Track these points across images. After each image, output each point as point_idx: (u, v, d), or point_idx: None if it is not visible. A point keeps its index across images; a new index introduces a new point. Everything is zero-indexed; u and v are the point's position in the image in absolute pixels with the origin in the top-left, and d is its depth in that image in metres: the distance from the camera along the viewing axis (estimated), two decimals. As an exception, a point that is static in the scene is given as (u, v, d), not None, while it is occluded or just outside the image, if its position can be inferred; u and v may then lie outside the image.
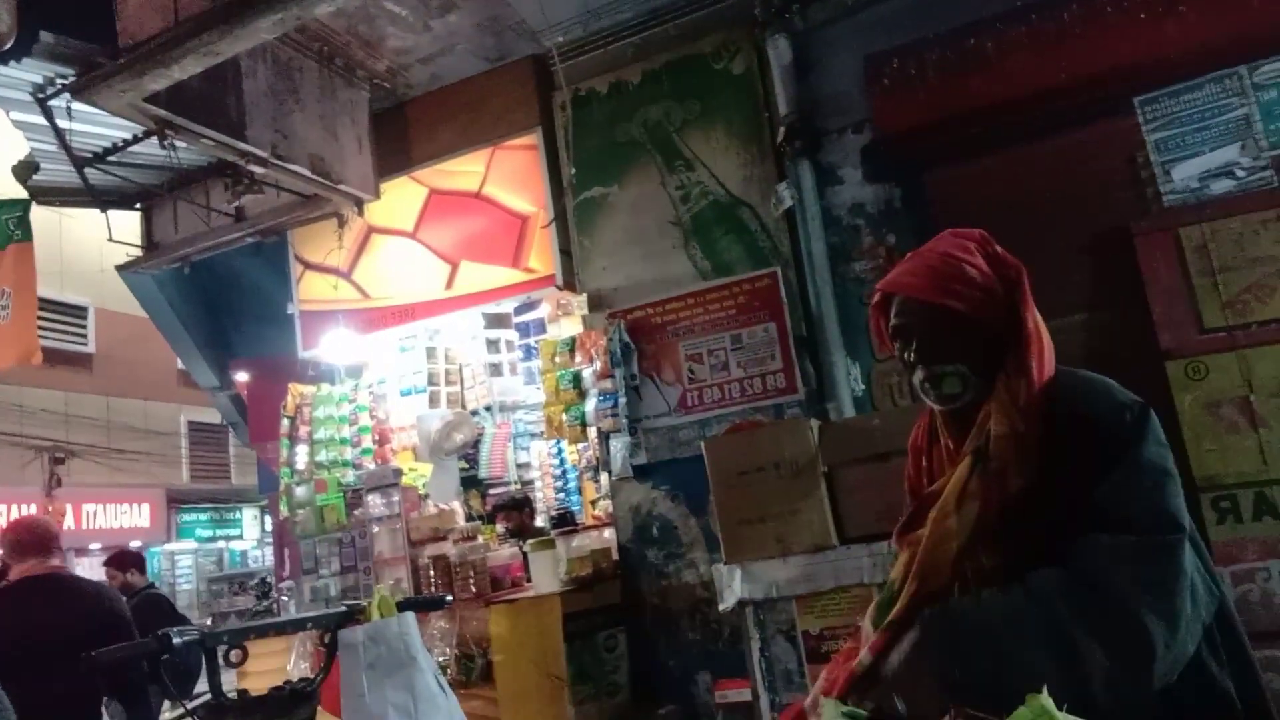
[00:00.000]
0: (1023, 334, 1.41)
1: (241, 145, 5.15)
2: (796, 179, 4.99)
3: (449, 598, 2.42)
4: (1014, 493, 1.35)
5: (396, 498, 5.43)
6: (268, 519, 18.82)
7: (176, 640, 1.95)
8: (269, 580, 17.37)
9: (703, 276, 5.24)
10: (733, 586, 3.94)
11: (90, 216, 6.41)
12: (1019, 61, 4.30)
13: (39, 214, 6.63)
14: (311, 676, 2.16)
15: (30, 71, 4.67)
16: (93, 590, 3.65)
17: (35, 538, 3.38)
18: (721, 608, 4.02)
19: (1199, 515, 3.44)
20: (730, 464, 3.95)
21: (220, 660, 2.10)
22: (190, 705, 2.06)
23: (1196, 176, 4.01)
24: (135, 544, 18.25)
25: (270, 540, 16.09)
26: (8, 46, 2.65)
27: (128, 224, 6.92)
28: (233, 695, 2.11)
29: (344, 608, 2.27)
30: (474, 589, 4.99)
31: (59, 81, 4.70)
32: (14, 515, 16.02)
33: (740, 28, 5.28)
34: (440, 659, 4.87)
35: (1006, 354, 1.41)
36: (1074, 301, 4.13)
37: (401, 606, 2.28)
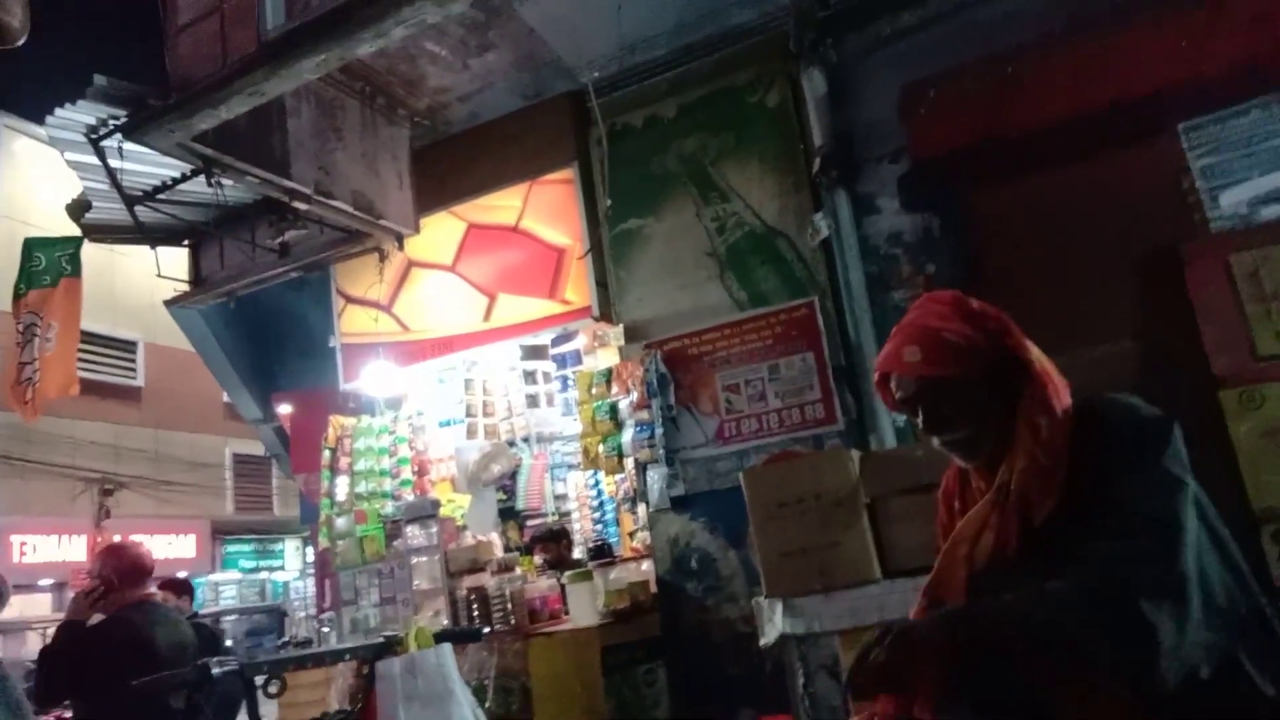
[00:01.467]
0: (1031, 374, 1.43)
1: (286, 182, 5.27)
2: (833, 208, 4.98)
3: (485, 630, 2.42)
4: (1037, 524, 1.37)
5: (435, 529, 5.45)
6: (309, 550, 19.02)
7: (216, 670, 1.96)
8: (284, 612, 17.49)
9: (739, 307, 5.23)
10: (774, 621, 3.88)
11: (140, 253, 6.60)
12: (1057, 88, 4.26)
13: (92, 251, 6.84)
14: (350, 709, 2.16)
15: (84, 113, 4.85)
16: (180, 616, 3.80)
17: (146, 566, 3.52)
18: (763, 643, 3.96)
19: (1259, 548, 3.32)
20: (769, 495, 3.91)
21: (260, 691, 2.11)
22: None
23: (1245, 202, 3.92)
24: (182, 574, 18.51)
25: (312, 571, 16.23)
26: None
27: (176, 260, 7.11)
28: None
29: (382, 639, 2.28)
30: (512, 621, 4.97)
31: (111, 122, 4.86)
32: (64, 546, 16.38)
33: (774, 61, 5.31)
34: (476, 690, 4.84)
35: (1018, 397, 1.43)
36: (1120, 328, 4.04)
37: (439, 638, 2.28)
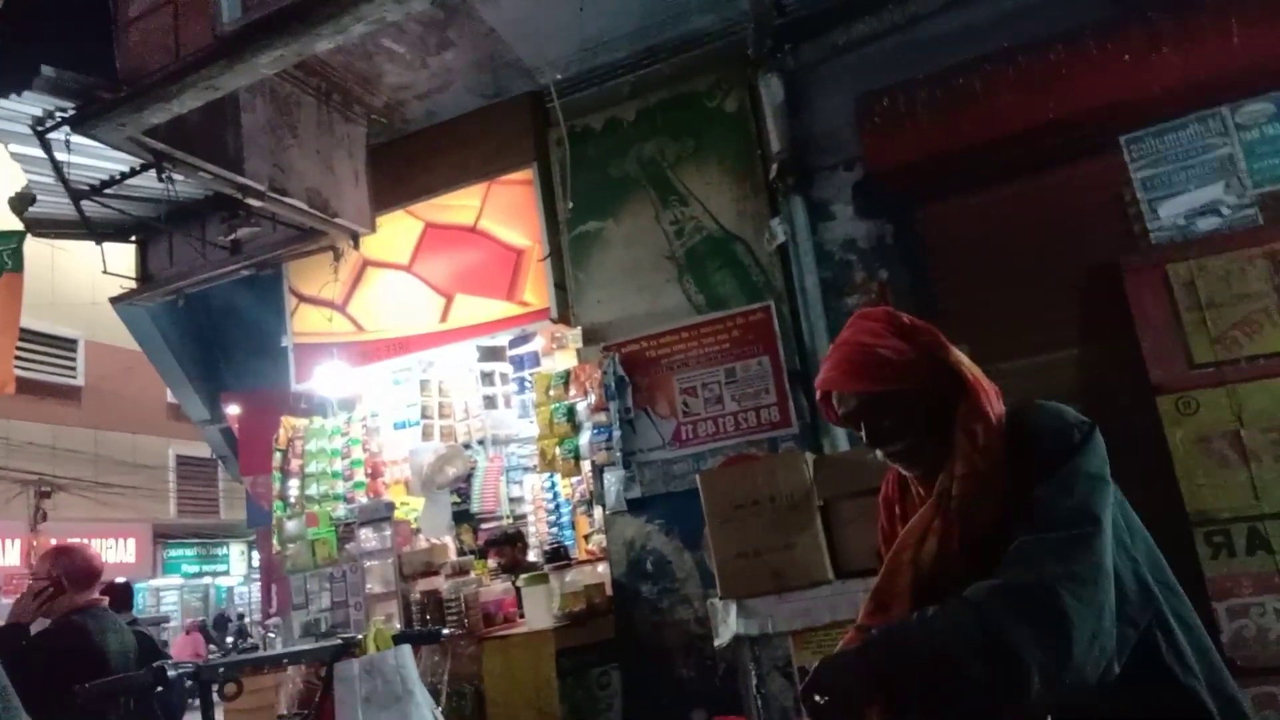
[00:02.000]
0: (965, 386, 1.48)
1: (239, 179, 5.19)
2: (789, 214, 5.05)
3: (445, 630, 2.41)
4: (980, 530, 1.41)
5: (389, 532, 5.39)
6: (255, 554, 18.63)
7: (171, 673, 1.93)
8: (228, 617, 17.11)
9: (697, 310, 5.27)
10: (728, 622, 3.92)
11: (83, 249, 6.43)
12: (1006, 101, 4.38)
13: (31, 246, 6.64)
14: (305, 711, 2.14)
15: (30, 104, 4.71)
16: (125, 622, 3.69)
17: (96, 569, 3.40)
18: (717, 644, 3.99)
19: (1193, 550, 3.45)
20: (725, 498, 3.95)
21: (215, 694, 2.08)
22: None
23: (1183, 214, 4.08)
24: (121, 579, 17.98)
25: (257, 576, 15.88)
26: None
27: (123, 256, 6.93)
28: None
29: (340, 641, 2.26)
30: (466, 624, 4.93)
31: (58, 114, 4.73)
32: (-2, 550, 15.82)
33: (733, 67, 5.37)
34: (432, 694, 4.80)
35: (954, 406, 1.48)
36: (1063, 337, 4.17)
37: (397, 640, 2.26)
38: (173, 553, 21.02)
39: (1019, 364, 4.11)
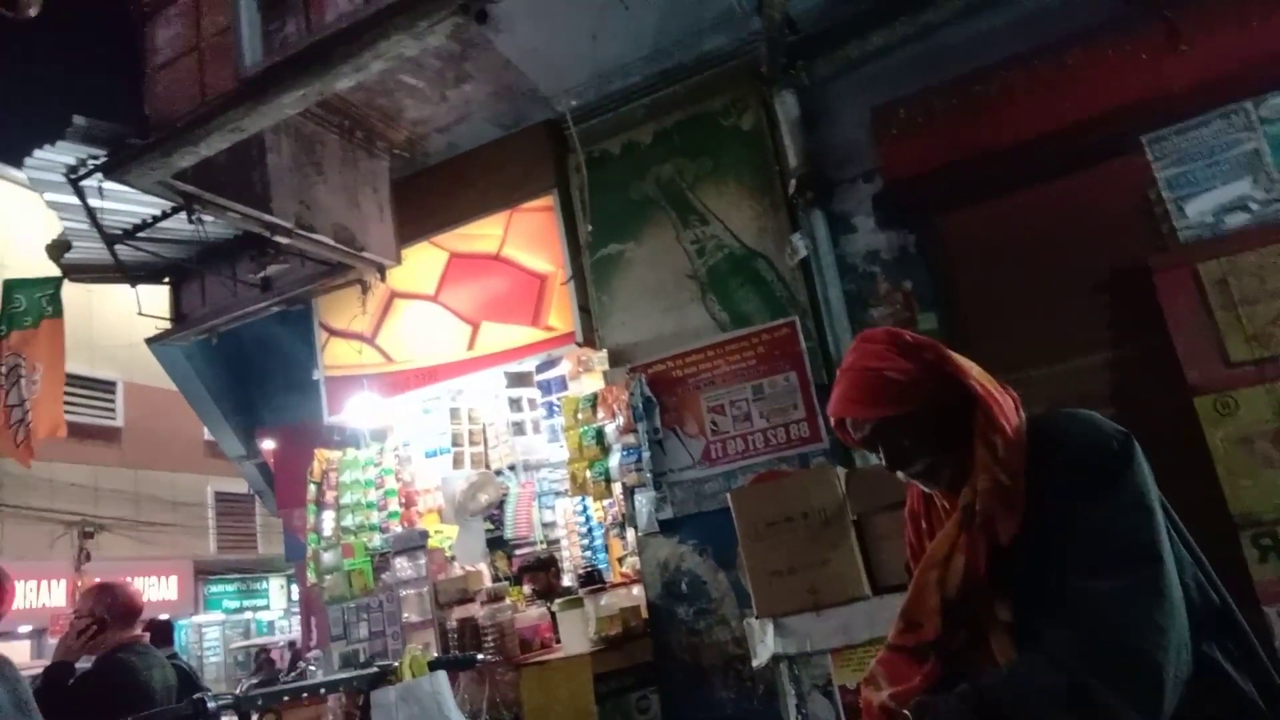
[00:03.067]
0: (976, 397, 1.46)
1: (267, 217, 5.29)
2: (810, 229, 5.05)
3: (480, 656, 2.41)
4: (1004, 544, 1.40)
5: (423, 560, 5.42)
6: (294, 588, 18.77)
7: (211, 704, 1.95)
8: (267, 651, 17.20)
9: (721, 328, 5.27)
10: (765, 641, 3.88)
11: (119, 292, 6.58)
12: (1024, 105, 4.37)
13: (69, 291, 6.81)
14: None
15: (63, 154, 4.85)
16: (165, 657, 3.74)
17: (138, 606, 3.47)
18: (755, 664, 3.96)
19: (1238, 554, 3.36)
20: (757, 515, 3.92)
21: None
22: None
23: (1211, 211, 4.02)
24: (164, 616, 18.20)
25: (297, 610, 15.99)
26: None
27: (157, 298, 7.09)
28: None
29: (376, 669, 2.27)
30: (503, 651, 4.93)
31: (90, 162, 4.87)
32: (44, 591, 16.10)
33: (747, 85, 5.40)
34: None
35: (969, 420, 1.46)
36: (1093, 341, 4.11)
37: (433, 666, 2.27)
38: (214, 589, 21.25)
39: (1048, 370, 4.07)
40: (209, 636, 21.46)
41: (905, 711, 1.33)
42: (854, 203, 5.10)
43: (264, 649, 16.70)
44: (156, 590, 18.81)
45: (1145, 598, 1.27)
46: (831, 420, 1.62)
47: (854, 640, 3.59)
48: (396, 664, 2.25)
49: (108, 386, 18.63)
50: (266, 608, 23.02)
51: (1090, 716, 1.21)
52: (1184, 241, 4.06)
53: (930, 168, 4.69)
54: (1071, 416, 1.46)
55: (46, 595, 16.19)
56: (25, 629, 15.81)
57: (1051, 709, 1.24)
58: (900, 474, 1.57)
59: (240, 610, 22.26)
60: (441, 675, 2.19)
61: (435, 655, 4.72)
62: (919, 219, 4.91)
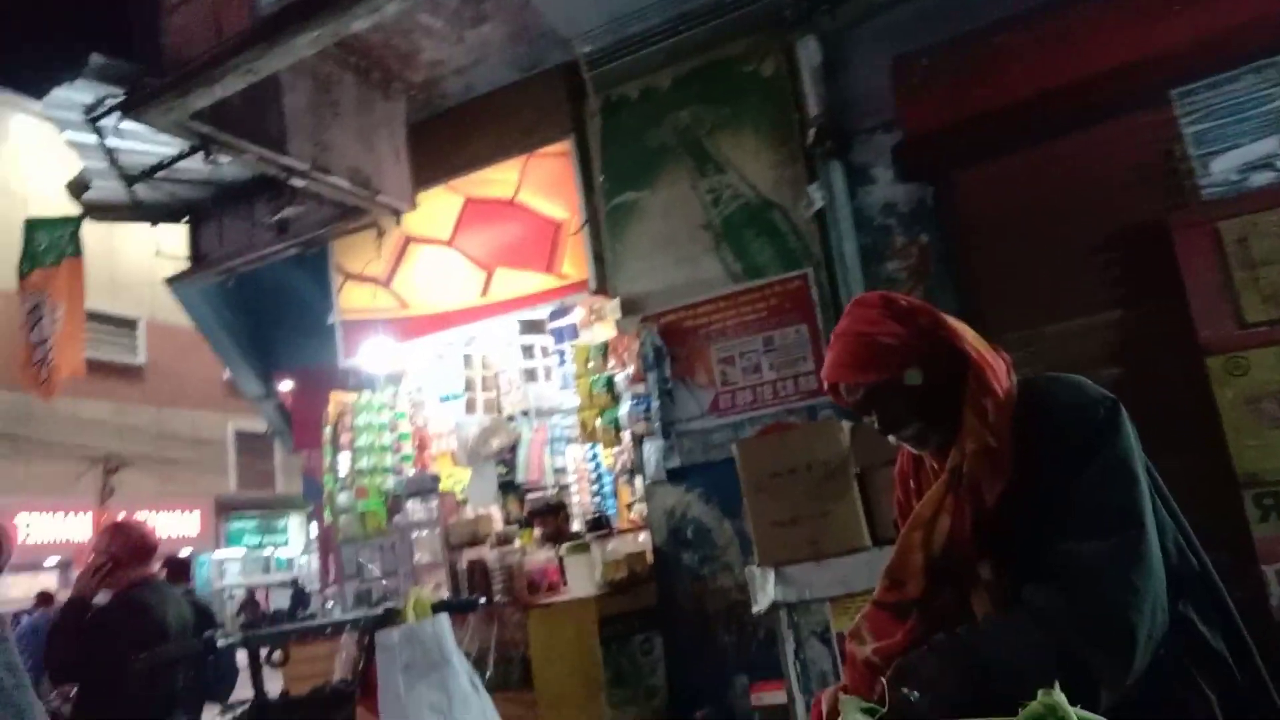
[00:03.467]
0: (969, 362, 1.47)
1: (282, 159, 5.29)
2: (827, 180, 4.99)
3: (482, 599, 2.48)
4: (989, 506, 1.42)
5: (435, 503, 5.52)
6: (313, 526, 19.20)
7: (221, 642, 2.02)
8: (301, 586, 17.65)
9: (734, 279, 5.25)
10: (766, 589, 3.94)
11: (140, 231, 6.64)
12: (1050, 56, 4.26)
13: (91, 229, 6.86)
14: (350, 679, 2.22)
15: (82, 92, 4.85)
16: (181, 593, 3.85)
17: (151, 544, 3.53)
18: (755, 610, 4.03)
19: (1241, 512, 3.37)
20: (762, 466, 3.96)
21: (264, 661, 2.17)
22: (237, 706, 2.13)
23: (1236, 169, 3.94)
24: (186, 551, 18.70)
25: (316, 547, 16.37)
26: None
27: (176, 238, 7.13)
28: (275, 696, 2.18)
29: (381, 610, 2.33)
30: (511, 592, 5.05)
31: (108, 101, 4.87)
32: (69, 524, 16.51)
33: (769, 30, 5.29)
34: (476, 661, 4.93)
35: (961, 384, 1.47)
36: (1107, 298, 4.07)
37: (436, 609, 2.33)
38: (235, 525, 21.74)
39: (1061, 327, 4.04)
40: (230, 571, 22.02)
41: (884, 679, 1.36)
42: (873, 154, 5.02)
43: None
44: (178, 526, 19.26)
45: (1124, 560, 1.30)
46: (825, 385, 1.63)
47: (853, 589, 3.65)
48: (401, 606, 2.31)
49: (130, 324, 18.85)
50: (286, 544, 23.53)
51: (1066, 668, 1.23)
52: (1206, 199, 3.98)
53: (951, 120, 4.59)
54: (1060, 382, 1.48)
55: (72, 528, 16.60)
56: (52, 561, 16.26)
57: (1029, 661, 1.27)
58: (892, 438, 1.58)
59: (260, 546, 22.78)
60: (443, 618, 2.25)
61: (439, 598, 4.85)
62: (938, 172, 4.84)
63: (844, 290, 4.89)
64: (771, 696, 4.40)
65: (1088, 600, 1.29)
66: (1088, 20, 4.22)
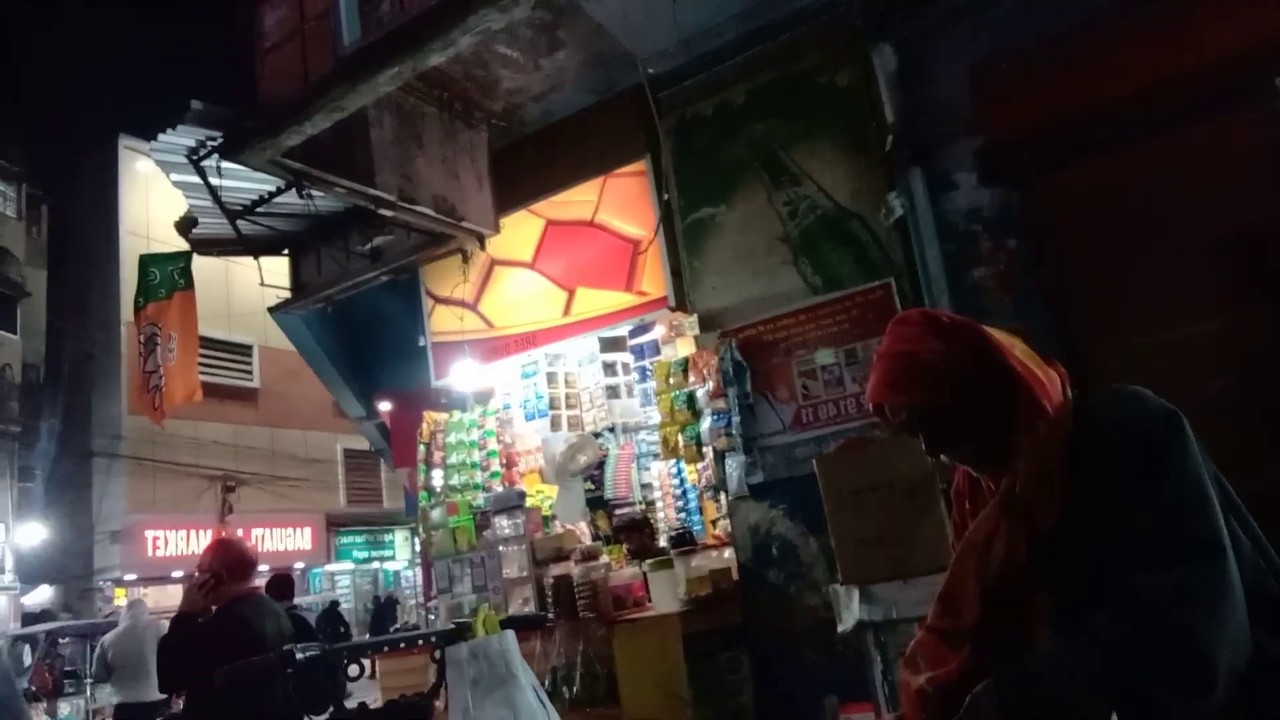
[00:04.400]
0: (1017, 378, 1.41)
1: (371, 191, 5.52)
2: (907, 187, 4.87)
3: (550, 616, 2.51)
4: (1045, 531, 1.36)
5: (521, 519, 5.62)
6: (416, 540, 19.79)
7: (299, 656, 2.11)
8: (395, 599, 18.14)
9: (813, 291, 5.18)
10: (851, 608, 3.87)
11: (253, 262, 7.02)
12: (1141, 50, 4.04)
13: (208, 262, 7.31)
14: (424, 692, 2.29)
15: (184, 136, 5.19)
16: (280, 609, 4.05)
17: (251, 561, 3.74)
18: (840, 630, 3.96)
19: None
20: (843, 482, 3.90)
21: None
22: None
23: (1352, 163, 3.66)
24: (298, 565, 19.58)
25: (419, 561, 16.89)
26: None
27: (279, 269, 7.52)
28: (352, 708, 2.26)
29: (452, 625, 2.40)
30: (596, 608, 5.08)
31: (209, 143, 5.19)
32: (193, 540, 17.52)
33: (842, 40, 5.22)
34: (563, 676, 4.98)
35: (1011, 401, 1.41)
36: (1211, 305, 3.82)
37: (504, 625, 2.37)
38: (344, 540, 22.63)
39: (1161, 337, 3.82)
40: (340, 584, 22.91)
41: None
42: (954, 159, 4.87)
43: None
44: (292, 541, 20.19)
45: (1203, 591, 1.21)
46: (870, 405, 1.59)
47: (941, 610, 3.54)
48: (471, 622, 2.36)
49: (245, 350, 19.94)
50: (393, 558, 24.34)
51: (1134, 707, 1.18)
52: (1322, 195, 3.70)
53: (1038, 121, 4.41)
54: (1118, 395, 1.39)
55: (196, 544, 17.61)
56: (178, 574, 17.28)
57: (1092, 698, 1.20)
58: (942, 458, 1.53)
59: (368, 560, 23.64)
60: (510, 634, 2.29)
61: (527, 613, 4.92)
62: (1025, 175, 4.65)
63: (928, 299, 4.76)
64: (861, 718, 4.29)
65: (1163, 635, 1.19)
66: (1181, 12, 4.00)
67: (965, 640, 1.48)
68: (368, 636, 14.93)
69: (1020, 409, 1.40)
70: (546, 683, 4.90)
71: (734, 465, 5.21)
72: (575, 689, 4.93)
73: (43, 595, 17.71)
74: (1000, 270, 4.71)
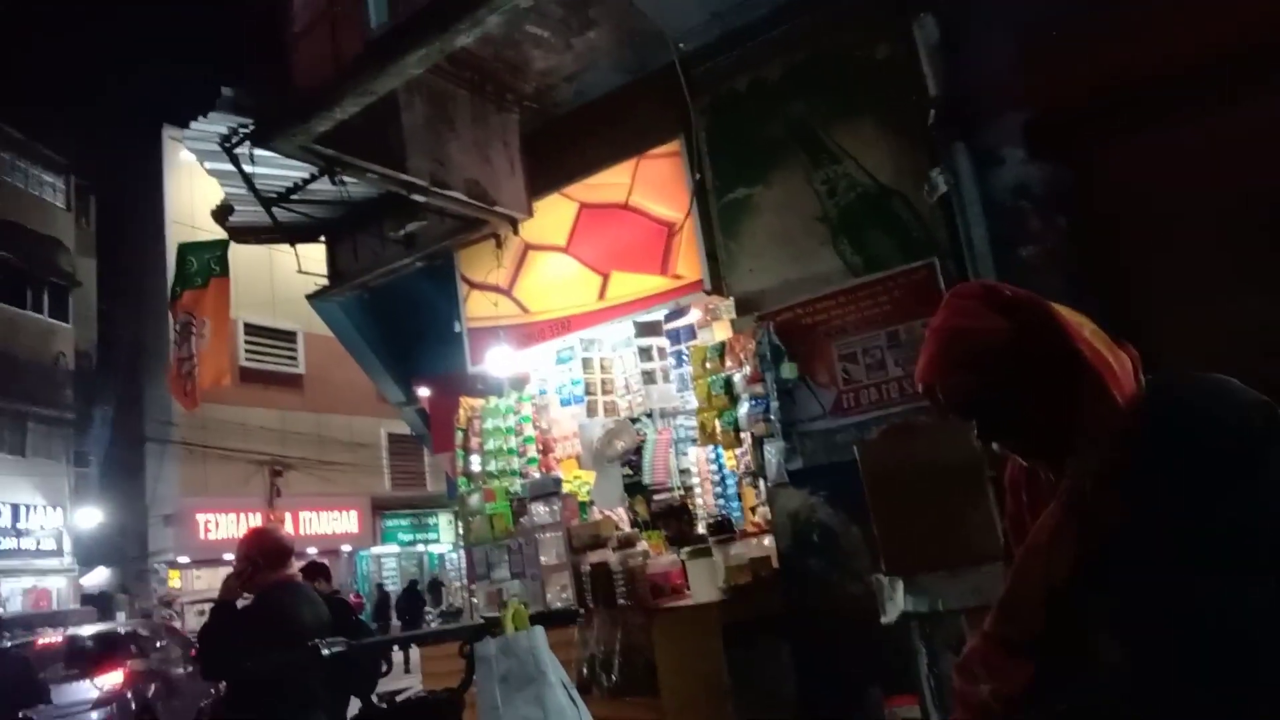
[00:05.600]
0: (1083, 362, 1.27)
1: (402, 176, 5.48)
2: (952, 163, 4.69)
3: (580, 611, 2.44)
4: (1115, 530, 1.23)
5: (557, 506, 5.57)
6: (459, 523, 20.00)
7: (325, 651, 2.08)
8: (440, 581, 18.34)
9: (853, 272, 5.03)
10: (895, 599, 3.76)
11: (293, 250, 7.05)
12: (1197, 17, 3.82)
13: (251, 251, 7.37)
14: (455, 687, 2.24)
15: (216, 124, 5.19)
16: (326, 597, 4.06)
17: (287, 548, 3.73)
18: (884, 620, 3.85)
19: None
20: (886, 469, 3.79)
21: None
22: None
23: None
24: (345, 548, 19.89)
25: (462, 544, 17.09)
26: None
27: (318, 256, 7.55)
28: (382, 703, 2.22)
29: (481, 620, 2.34)
30: (634, 596, 5.02)
31: (240, 131, 5.18)
32: (243, 523, 17.89)
33: (882, 11, 5.03)
34: (602, 663, 4.93)
35: (1075, 386, 1.27)
36: (1260, 287, 3.60)
37: (534, 621, 2.32)
38: (389, 523, 22.96)
39: (1217, 317, 3.63)
40: (387, 566, 23.26)
41: None
42: (1001, 134, 4.67)
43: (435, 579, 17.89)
44: (338, 524, 20.53)
45: None
46: (919, 387, 1.45)
47: (988, 601, 3.40)
48: (500, 616, 2.31)
49: (290, 336, 20.23)
50: (437, 540, 24.64)
51: None
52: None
53: (1086, 94, 4.21)
54: (1204, 383, 1.26)
55: (245, 527, 17.95)
56: (229, 557, 17.64)
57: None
58: (995, 447, 1.39)
59: (413, 543, 23.95)
60: (539, 630, 2.23)
61: (566, 601, 4.88)
62: (1076, 149, 4.44)
63: (973, 278, 4.58)
64: (906, 711, 4.20)
65: (1245, 653, 1.10)
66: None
67: (1028, 650, 1.35)
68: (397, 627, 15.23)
69: (1086, 395, 1.27)
70: (585, 670, 4.86)
71: (773, 451, 5.10)
72: (614, 677, 4.88)
73: (99, 577, 18.26)
74: (1050, 248, 4.52)
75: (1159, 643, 1.18)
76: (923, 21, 4.84)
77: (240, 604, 3.56)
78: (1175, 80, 3.87)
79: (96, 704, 8.09)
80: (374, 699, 2.43)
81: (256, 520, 18.01)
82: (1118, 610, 1.25)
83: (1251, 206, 3.76)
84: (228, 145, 5.29)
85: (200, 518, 17.59)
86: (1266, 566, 1.11)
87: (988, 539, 3.43)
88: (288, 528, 18.05)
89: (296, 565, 3.81)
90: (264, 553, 3.59)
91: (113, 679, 8.48)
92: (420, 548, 24.23)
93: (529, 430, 6.77)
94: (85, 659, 8.71)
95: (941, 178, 4.73)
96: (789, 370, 5.05)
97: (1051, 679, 1.31)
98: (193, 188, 17.84)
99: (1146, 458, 1.22)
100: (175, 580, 17.47)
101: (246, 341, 18.82)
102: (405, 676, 10.21)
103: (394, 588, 22.35)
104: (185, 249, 7.12)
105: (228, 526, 17.88)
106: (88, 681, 8.30)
